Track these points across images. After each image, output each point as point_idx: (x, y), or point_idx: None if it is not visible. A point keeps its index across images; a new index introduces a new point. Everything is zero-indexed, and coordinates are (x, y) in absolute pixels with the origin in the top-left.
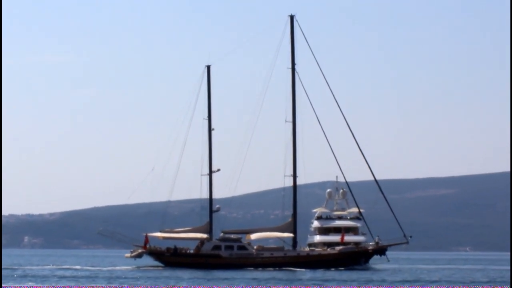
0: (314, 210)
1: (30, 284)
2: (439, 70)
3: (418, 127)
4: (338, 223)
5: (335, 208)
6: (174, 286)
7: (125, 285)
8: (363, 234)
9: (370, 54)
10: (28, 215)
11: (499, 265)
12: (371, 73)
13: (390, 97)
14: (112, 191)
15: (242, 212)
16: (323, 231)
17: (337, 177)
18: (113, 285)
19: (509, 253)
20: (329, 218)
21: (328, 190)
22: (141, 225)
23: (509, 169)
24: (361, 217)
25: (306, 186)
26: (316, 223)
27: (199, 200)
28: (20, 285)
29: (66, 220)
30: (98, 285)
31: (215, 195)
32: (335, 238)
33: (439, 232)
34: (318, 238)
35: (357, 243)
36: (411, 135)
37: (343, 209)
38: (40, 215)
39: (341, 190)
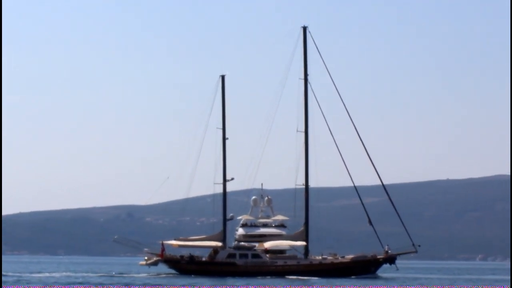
0: (239, 218)
1: (29, 285)
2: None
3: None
4: (263, 230)
5: (260, 216)
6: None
7: (125, 286)
8: None
9: (382, 65)
10: None
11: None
12: (382, 84)
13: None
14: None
15: (168, 218)
16: (248, 238)
17: (262, 184)
18: (112, 286)
19: (436, 262)
20: (254, 225)
21: (253, 197)
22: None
23: (433, 178)
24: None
25: (233, 193)
26: (241, 230)
27: (125, 207)
28: (20, 286)
29: None
30: (96, 286)
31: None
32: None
33: (364, 241)
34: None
35: (281, 251)
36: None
37: (268, 217)
38: None
39: (266, 198)
